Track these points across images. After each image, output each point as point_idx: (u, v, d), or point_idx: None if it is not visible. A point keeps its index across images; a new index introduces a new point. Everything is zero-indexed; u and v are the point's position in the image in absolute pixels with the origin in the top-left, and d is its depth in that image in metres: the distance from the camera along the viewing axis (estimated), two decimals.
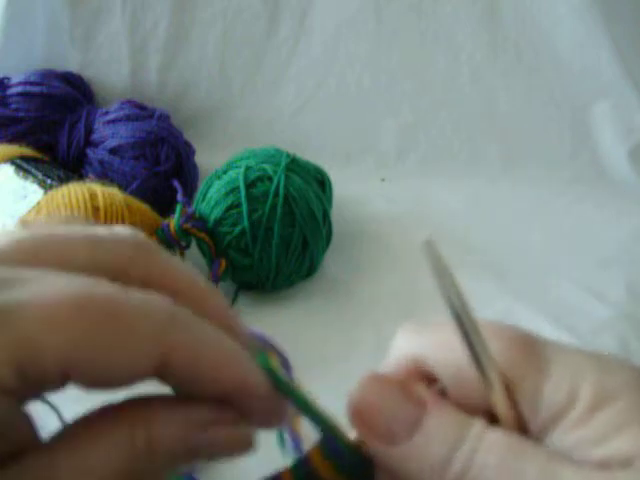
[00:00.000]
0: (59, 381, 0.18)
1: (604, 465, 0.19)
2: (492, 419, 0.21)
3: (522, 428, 0.21)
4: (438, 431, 0.21)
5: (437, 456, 0.21)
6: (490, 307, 0.66)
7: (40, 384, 0.18)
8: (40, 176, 0.66)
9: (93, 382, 0.19)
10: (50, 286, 0.18)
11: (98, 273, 0.20)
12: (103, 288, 0.19)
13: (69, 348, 0.18)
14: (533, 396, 0.21)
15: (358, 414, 0.22)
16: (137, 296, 0.19)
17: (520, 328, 0.23)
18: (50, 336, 0.17)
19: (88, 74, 0.88)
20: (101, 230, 0.22)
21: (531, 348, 0.22)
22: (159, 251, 0.22)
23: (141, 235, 0.22)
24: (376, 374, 0.23)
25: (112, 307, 0.18)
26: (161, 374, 0.19)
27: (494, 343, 0.21)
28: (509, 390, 0.21)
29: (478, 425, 0.21)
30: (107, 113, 0.77)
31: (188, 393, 0.20)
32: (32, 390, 0.18)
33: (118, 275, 0.21)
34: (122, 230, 0.22)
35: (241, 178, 0.64)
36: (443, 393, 0.22)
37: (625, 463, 0.19)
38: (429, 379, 0.23)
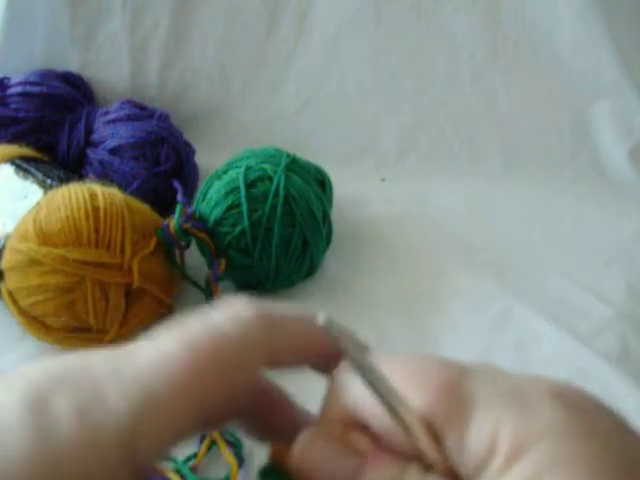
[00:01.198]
0: None
1: None
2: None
3: (454, 473, 0.21)
4: None
5: None
6: (490, 307, 0.66)
7: None
8: (40, 176, 0.66)
9: None
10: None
11: None
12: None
13: None
14: (457, 446, 0.21)
15: (302, 470, 0.22)
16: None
17: (447, 366, 0.22)
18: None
19: (88, 74, 0.88)
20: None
21: (456, 395, 0.21)
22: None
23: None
24: (316, 429, 0.23)
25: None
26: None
27: (417, 392, 0.21)
28: (436, 438, 0.21)
29: (412, 474, 0.21)
30: (107, 113, 0.77)
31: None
32: None
33: None
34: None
35: (241, 178, 0.64)
36: (379, 437, 0.23)
37: None
38: (363, 425, 0.23)
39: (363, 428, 0.23)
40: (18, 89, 0.78)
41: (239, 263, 0.64)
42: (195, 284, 0.65)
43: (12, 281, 0.58)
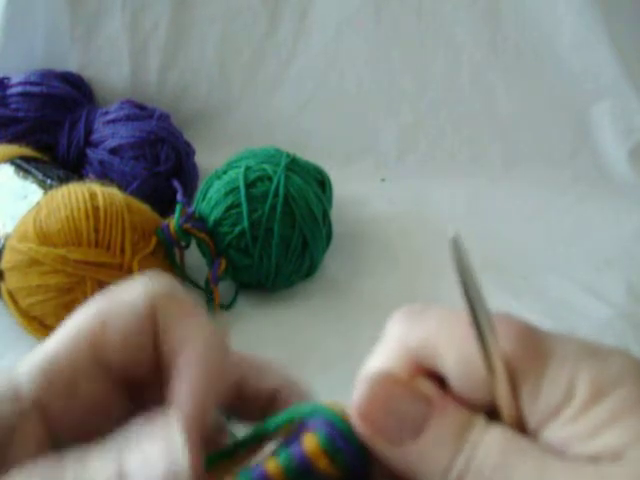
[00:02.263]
0: None
1: (595, 459, 0.19)
2: (492, 412, 0.21)
3: (522, 422, 0.21)
4: (442, 432, 0.21)
5: (440, 457, 0.21)
6: (490, 307, 0.66)
7: None
8: (40, 176, 0.66)
9: None
10: None
11: None
12: None
13: None
14: (532, 391, 0.21)
15: (365, 415, 0.21)
16: None
17: (522, 319, 0.23)
18: None
19: (88, 74, 0.88)
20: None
21: (533, 341, 0.22)
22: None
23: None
24: (383, 372, 0.22)
25: None
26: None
27: (498, 336, 0.21)
28: (513, 383, 0.21)
29: (479, 424, 0.21)
30: (107, 113, 0.77)
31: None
32: None
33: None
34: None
35: (241, 178, 0.64)
36: (442, 385, 0.22)
37: (614, 457, 0.19)
38: (428, 372, 0.22)
39: (429, 375, 0.22)
40: (18, 89, 0.78)
41: (239, 263, 0.64)
42: (195, 284, 0.65)
43: (12, 281, 0.58)
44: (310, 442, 0.21)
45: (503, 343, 0.21)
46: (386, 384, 0.22)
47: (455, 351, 0.22)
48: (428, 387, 0.22)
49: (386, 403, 0.21)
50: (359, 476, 0.22)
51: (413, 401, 0.21)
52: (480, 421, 0.21)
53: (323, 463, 0.21)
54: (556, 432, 0.20)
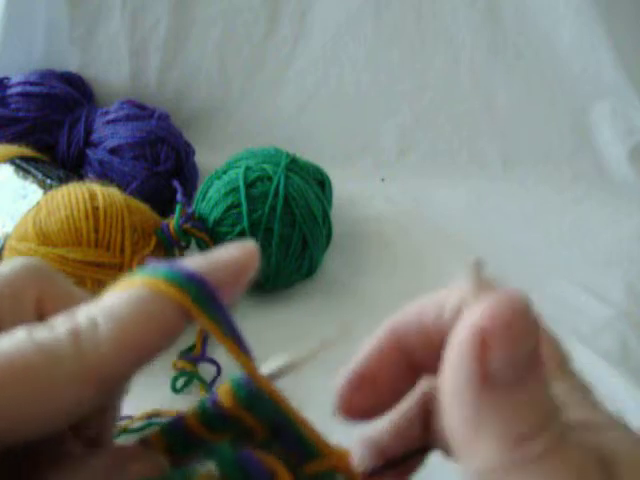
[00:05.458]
0: None
1: None
2: None
3: None
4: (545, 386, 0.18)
5: (547, 406, 0.18)
6: None
7: None
8: (40, 176, 0.66)
9: None
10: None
11: None
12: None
13: None
14: None
15: (502, 331, 0.17)
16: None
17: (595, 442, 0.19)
18: None
19: (88, 74, 0.88)
20: None
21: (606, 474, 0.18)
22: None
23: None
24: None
25: None
26: None
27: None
28: None
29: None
30: (107, 113, 0.77)
31: None
32: None
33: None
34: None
35: (241, 178, 0.64)
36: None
37: None
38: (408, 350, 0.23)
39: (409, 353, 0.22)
40: (18, 89, 0.78)
41: None
42: None
43: None
44: (222, 388, 0.22)
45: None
46: (525, 305, 0.18)
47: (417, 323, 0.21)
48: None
49: (528, 323, 0.18)
50: (282, 432, 0.22)
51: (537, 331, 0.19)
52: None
53: (229, 403, 0.21)
54: None
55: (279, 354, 0.23)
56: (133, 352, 0.19)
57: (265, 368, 0.22)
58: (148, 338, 0.19)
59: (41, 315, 0.22)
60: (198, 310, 0.20)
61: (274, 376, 0.22)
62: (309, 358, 0.23)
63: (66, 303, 0.23)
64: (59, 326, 0.19)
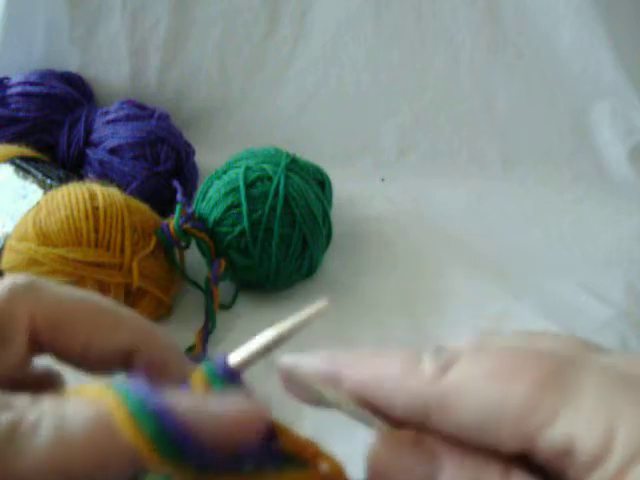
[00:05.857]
0: None
1: None
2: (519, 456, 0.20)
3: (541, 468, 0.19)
4: None
5: None
6: (490, 307, 0.66)
7: None
8: (40, 176, 0.66)
9: None
10: None
11: None
12: None
13: None
14: (566, 440, 0.18)
15: (377, 475, 0.21)
16: None
17: (548, 348, 0.21)
18: None
19: (88, 74, 0.88)
20: None
21: (559, 380, 0.19)
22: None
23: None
24: (386, 435, 0.21)
25: None
26: None
27: (516, 386, 0.19)
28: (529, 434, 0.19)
29: (492, 473, 0.20)
30: (107, 113, 0.77)
31: None
32: None
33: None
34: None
35: (241, 178, 0.64)
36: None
37: None
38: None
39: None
40: (18, 89, 0.78)
41: (239, 263, 0.64)
42: (195, 284, 0.65)
43: None
44: (195, 372, 0.22)
45: (523, 392, 0.19)
46: (393, 442, 0.21)
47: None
48: (435, 441, 0.21)
49: (394, 462, 0.21)
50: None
51: (420, 458, 0.21)
52: (495, 470, 0.20)
53: (199, 387, 0.21)
54: None
55: (266, 330, 0.23)
56: (56, 474, 0.18)
57: (254, 343, 0.22)
58: (80, 467, 0.18)
59: (34, 331, 0.23)
60: (156, 457, 0.18)
61: (261, 353, 0.22)
62: (295, 330, 0.23)
63: (57, 316, 0.24)
64: (3, 413, 0.19)
